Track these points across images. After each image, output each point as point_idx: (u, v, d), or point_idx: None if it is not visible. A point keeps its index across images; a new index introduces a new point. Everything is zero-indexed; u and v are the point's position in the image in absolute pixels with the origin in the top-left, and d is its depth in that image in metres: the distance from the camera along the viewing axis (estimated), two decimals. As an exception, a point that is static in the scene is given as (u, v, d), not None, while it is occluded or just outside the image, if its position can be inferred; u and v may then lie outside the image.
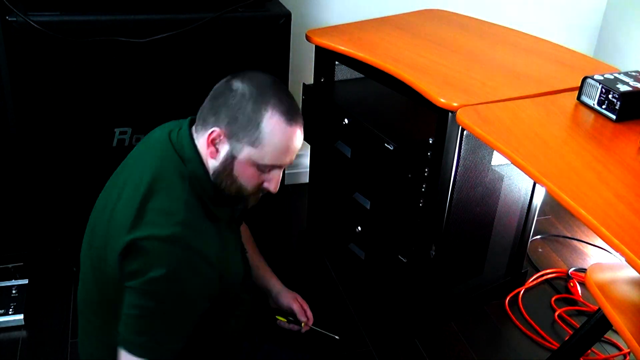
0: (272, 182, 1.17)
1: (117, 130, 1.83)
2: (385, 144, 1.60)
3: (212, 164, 1.14)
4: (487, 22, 2.10)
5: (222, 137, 1.11)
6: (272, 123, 1.10)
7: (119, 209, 1.14)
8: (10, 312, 1.82)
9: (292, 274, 1.80)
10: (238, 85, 1.11)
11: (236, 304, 1.31)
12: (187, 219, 1.09)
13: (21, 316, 1.81)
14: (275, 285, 1.51)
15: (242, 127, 1.10)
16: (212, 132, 1.11)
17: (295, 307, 1.47)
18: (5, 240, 2.06)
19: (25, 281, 1.93)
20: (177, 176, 1.13)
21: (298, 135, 1.14)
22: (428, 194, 1.62)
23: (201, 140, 1.15)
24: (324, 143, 1.92)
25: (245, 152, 1.11)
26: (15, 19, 1.61)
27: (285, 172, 2.23)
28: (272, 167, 1.15)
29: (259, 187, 1.18)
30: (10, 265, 1.99)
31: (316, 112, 1.90)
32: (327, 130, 1.87)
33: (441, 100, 1.47)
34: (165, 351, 1.13)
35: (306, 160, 2.45)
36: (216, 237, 1.15)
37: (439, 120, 1.52)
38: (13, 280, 1.93)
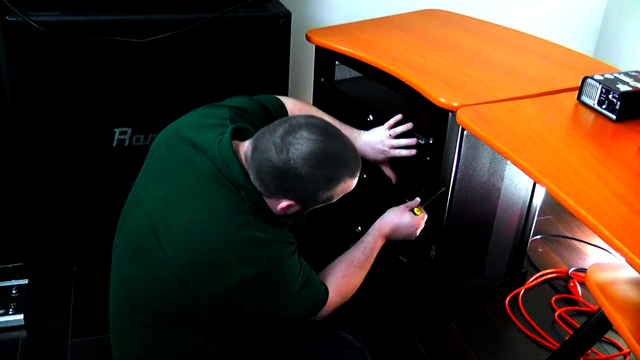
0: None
1: (117, 130, 1.83)
2: (417, 139, 1.60)
3: (279, 213, 1.22)
4: (487, 22, 2.10)
5: (294, 205, 1.20)
6: (344, 185, 1.22)
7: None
8: (10, 312, 1.82)
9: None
10: (304, 169, 1.14)
11: None
12: (261, 233, 1.17)
13: (21, 316, 1.81)
14: (353, 133, 1.58)
15: (317, 200, 1.20)
16: (286, 205, 1.19)
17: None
18: (5, 240, 2.06)
19: (25, 281, 1.93)
20: (233, 198, 1.19)
21: (357, 177, 1.25)
22: (428, 194, 1.62)
23: (267, 200, 1.19)
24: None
25: (320, 198, 1.21)
26: (15, 19, 1.61)
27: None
28: None
29: None
30: (10, 265, 1.99)
31: (332, 109, 1.90)
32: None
33: (441, 100, 1.47)
34: (321, 298, 1.30)
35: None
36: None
37: (439, 120, 1.52)
38: (13, 280, 1.93)
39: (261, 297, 1.20)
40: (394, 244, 1.80)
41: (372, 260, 1.43)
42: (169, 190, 1.22)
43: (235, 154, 1.18)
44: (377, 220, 1.49)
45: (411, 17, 2.10)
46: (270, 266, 1.17)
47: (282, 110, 1.51)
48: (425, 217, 1.51)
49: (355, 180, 1.24)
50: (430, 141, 1.57)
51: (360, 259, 1.41)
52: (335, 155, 1.17)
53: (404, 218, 1.47)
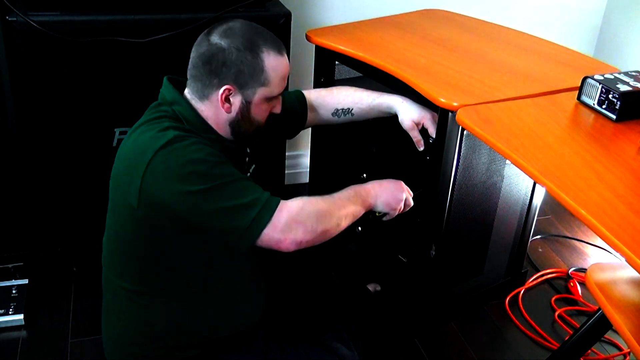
0: (278, 106, 1.35)
1: (117, 130, 1.83)
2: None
3: (227, 117, 1.27)
4: (487, 22, 2.10)
5: (233, 91, 1.24)
6: (271, 62, 1.25)
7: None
8: (10, 312, 1.82)
9: (292, 275, 1.80)
10: (226, 42, 1.21)
11: (258, 269, 1.36)
12: (170, 124, 1.21)
13: (21, 316, 1.81)
14: (394, 101, 1.59)
15: (250, 75, 1.23)
16: (223, 90, 1.23)
17: (414, 135, 1.57)
18: (5, 240, 2.06)
19: (25, 281, 1.93)
20: (161, 120, 1.24)
21: (287, 60, 1.31)
22: (428, 194, 1.62)
23: (207, 102, 1.26)
24: (343, 140, 1.91)
25: (258, 93, 1.26)
26: (15, 19, 1.61)
27: (285, 172, 2.23)
28: (278, 95, 1.32)
29: (268, 115, 1.33)
30: (10, 265, 1.99)
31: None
32: (347, 127, 1.86)
33: (441, 100, 1.47)
34: (269, 202, 1.18)
35: (306, 160, 2.46)
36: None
37: (439, 120, 1.52)
38: (13, 280, 1.93)
39: (174, 180, 1.14)
40: (394, 244, 1.81)
41: (351, 198, 1.33)
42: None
43: (172, 85, 1.29)
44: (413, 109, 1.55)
45: (411, 17, 2.10)
46: (175, 139, 1.16)
47: (301, 101, 1.60)
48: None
49: (284, 62, 1.27)
50: (430, 141, 1.57)
51: (332, 195, 1.31)
52: (252, 27, 1.25)
53: (392, 181, 1.45)
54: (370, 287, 1.87)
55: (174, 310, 1.28)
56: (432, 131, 1.55)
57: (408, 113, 1.56)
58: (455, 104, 1.45)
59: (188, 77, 1.28)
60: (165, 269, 1.25)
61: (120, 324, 1.33)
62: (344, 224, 1.29)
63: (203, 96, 1.26)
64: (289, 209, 1.18)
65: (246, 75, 1.23)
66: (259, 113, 1.29)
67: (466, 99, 1.47)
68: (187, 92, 1.29)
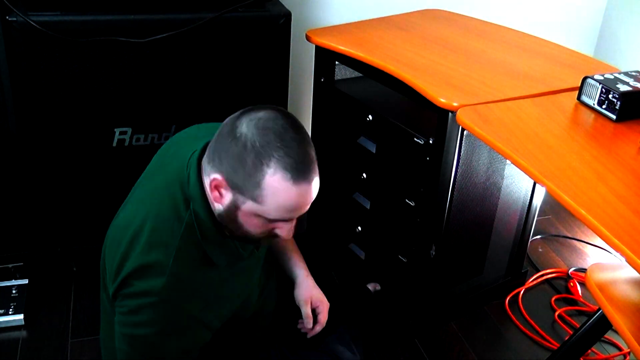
0: (284, 231, 1.09)
1: (117, 130, 1.83)
2: (415, 139, 1.61)
3: (217, 207, 1.08)
4: (487, 22, 2.10)
5: (224, 186, 1.04)
6: (273, 183, 0.99)
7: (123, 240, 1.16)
8: (10, 312, 1.82)
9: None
10: (242, 129, 1.00)
11: (254, 318, 1.33)
12: (173, 268, 1.07)
13: (21, 316, 1.81)
14: (299, 273, 1.40)
15: (243, 181, 1.01)
16: (213, 179, 1.04)
17: (304, 310, 1.36)
18: (5, 240, 2.06)
19: (25, 281, 1.93)
20: (173, 218, 1.10)
21: (308, 192, 1.04)
22: (428, 194, 1.62)
23: (206, 179, 1.08)
24: (343, 140, 1.91)
25: (248, 205, 1.03)
26: (15, 19, 1.61)
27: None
28: (279, 220, 1.07)
29: (270, 234, 1.11)
30: (10, 265, 1.98)
31: (331, 108, 1.90)
32: (346, 127, 1.87)
33: (441, 100, 1.47)
34: None
35: (306, 160, 2.45)
36: (205, 283, 1.13)
37: (439, 120, 1.52)
38: (13, 280, 1.93)
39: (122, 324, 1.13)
40: (394, 244, 1.81)
41: None
42: (138, 191, 1.24)
43: (200, 167, 1.09)
44: (307, 286, 1.38)
45: (411, 17, 2.10)
46: (150, 294, 1.08)
47: None
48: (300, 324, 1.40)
49: (293, 192, 1.01)
50: (430, 141, 1.57)
51: None
52: (283, 130, 1.00)
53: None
54: (370, 287, 1.87)
55: None
56: (322, 318, 1.37)
57: (306, 290, 1.38)
58: (455, 104, 1.45)
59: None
60: None
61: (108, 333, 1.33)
62: None
63: (206, 169, 1.08)
64: None
65: (239, 177, 1.01)
66: (251, 225, 1.07)
67: (466, 99, 1.47)
68: (206, 157, 1.10)
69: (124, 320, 1.13)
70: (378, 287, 1.88)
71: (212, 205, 1.09)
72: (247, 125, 1.00)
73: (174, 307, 1.09)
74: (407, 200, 1.69)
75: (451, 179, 1.60)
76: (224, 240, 1.13)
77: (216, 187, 1.04)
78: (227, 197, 1.04)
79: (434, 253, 1.70)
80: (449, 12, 2.18)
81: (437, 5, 2.25)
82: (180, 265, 1.07)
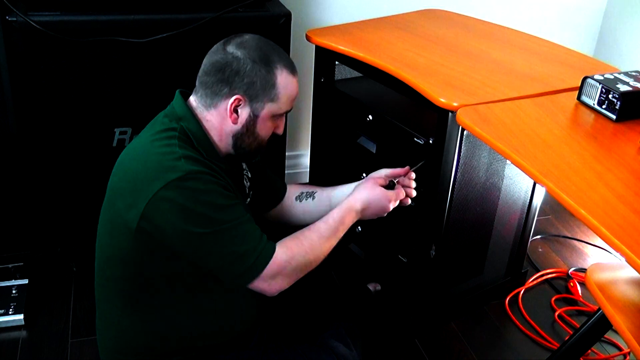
0: (281, 127, 1.33)
1: (117, 130, 1.83)
2: (415, 139, 1.61)
3: (232, 128, 1.26)
4: (487, 22, 2.10)
5: (242, 102, 1.23)
6: (283, 80, 1.25)
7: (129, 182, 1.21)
8: (10, 312, 1.82)
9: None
10: (242, 53, 1.22)
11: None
12: (183, 152, 1.19)
13: (21, 316, 1.81)
14: (349, 188, 1.49)
15: (262, 89, 1.23)
16: (233, 100, 1.22)
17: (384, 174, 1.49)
18: (5, 240, 2.06)
19: (25, 281, 1.93)
20: (168, 132, 1.23)
21: (297, 83, 1.30)
22: (428, 194, 1.62)
23: (213, 111, 1.25)
24: (343, 140, 1.91)
25: (267, 108, 1.25)
26: (15, 19, 1.61)
27: (285, 172, 2.23)
28: (283, 115, 1.31)
29: (270, 136, 1.32)
30: (10, 265, 1.99)
31: (331, 108, 1.91)
32: (346, 127, 1.87)
33: (441, 100, 1.47)
34: (263, 254, 1.20)
35: (306, 160, 2.46)
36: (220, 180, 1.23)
37: (439, 120, 1.52)
38: (13, 280, 1.93)
39: (179, 217, 1.14)
40: (394, 244, 1.81)
41: (337, 233, 1.34)
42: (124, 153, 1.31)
43: (187, 105, 1.27)
44: (348, 196, 1.42)
45: (411, 17, 2.10)
46: (187, 177, 1.14)
47: (283, 185, 1.59)
48: (401, 192, 1.44)
49: (295, 82, 1.28)
50: (430, 141, 1.57)
51: (321, 227, 1.32)
52: (269, 43, 1.26)
53: (375, 192, 1.40)
54: (371, 287, 1.87)
55: (162, 321, 1.28)
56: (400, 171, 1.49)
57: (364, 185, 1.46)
58: (455, 103, 1.45)
59: (197, 83, 1.27)
60: (155, 283, 1.25)
61: (113, 333, 1.33)
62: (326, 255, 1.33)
63: (211, 104, 1.25)
64: (280, 262, 1.21)
65: (257, 88, 1.22)
66: (264, 129, 1.28)
67: (466, 99, 1.47)
68: (192, 99, 1.28)
69: (177, 201, 1.14)
70: (378, 287, 1.88)
71: (221, 132, 1.26)
72: (243, 48, 1.22)
73: (210, 178, 1.19)
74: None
75: (451, 179, 1.60)
76: (218, 155, 1.28)
77: (235, 108, 1.24)
78: (245, 112, 1.25)
79: (434, 253, 1.70)
80: (449, 12, 2.18)
81: (438, 5, 2.25)
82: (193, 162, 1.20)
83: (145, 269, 1.22)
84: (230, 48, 1.22)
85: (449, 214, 1.67)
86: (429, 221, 1.66)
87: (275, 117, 1.28)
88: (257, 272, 1.19)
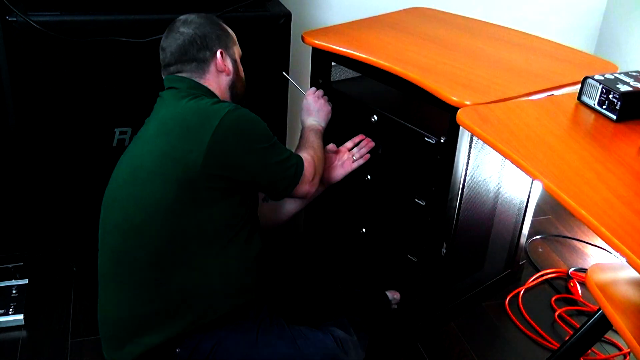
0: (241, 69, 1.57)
1: (117, 130, 1.83)
2: (426, 138, 1.61)
3: (227, 80, 1.49)
4: (475, 19, 2.08)
5: (223, 53, 1.48)
6: (227, 27, 1.53)
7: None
8: (10, 312, 1.82)
9: (292, 275, 1.80)
10: (192, 28, 1.46)
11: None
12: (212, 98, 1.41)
13: (21, 316, 1.81)
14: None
15: (226, 38, 1.50)
16: (219, 54, 1.46)
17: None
18: (5, 240, 2.06)
19: (25, 281, 1.93)
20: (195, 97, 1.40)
21: None
22: (439, 193, 1.62)
23: (208, 76, 1.46)
24: (344, 141, 1.89)
25: (235, 51, 1.53)
26: (15, 19, 1.61)
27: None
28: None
29: None
30: (10, 265, 1.99)
31: (332, 109, 1.90)
32: (348, 128, 1.87)
33: (453, 98, 1.47)
34: (298, 158, 1.49)
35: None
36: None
37: (450, 119, 1.49)
38: (13, 280, 1.93)
39: (241, 140, 1.34)
40: (402, 244, 1.80)
41: (317, 146, 1.62)
42: (143, 132, 1.44)
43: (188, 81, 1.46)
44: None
45: (399, 15, 2.09)
46: (235, 110, 1.35)
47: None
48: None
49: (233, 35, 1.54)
50: (442, 140, 1.56)
51: (310, 146, 1.60)
52: (200, 14, 1.50)
53: (311, 105, 1.75)
54: (389, 294, 1.86)
55: (187, 278, 1.34)
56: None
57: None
58: (467, 102, 1.44)
59: (175, 69, 1.46)
60: (191, 233, 1.33)
61: (136, 302, 1.36)
62: None
63: (203, 71, 1.45)
64: (309, 162, 1.51)
65: (223, 38, 1.48)
66: (241, 70, 1.55)
67: (477, 97, 1.47)
68: (185, 76, 1.46)
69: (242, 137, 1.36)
70: (398, 296, 1.87)
71: (221, 89, 1.49)
72: (189, 24, 1.46)
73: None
74: (417, 200, 1.69)
75: (462, 177, 1.60)
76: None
77: (222, 59, 1.47)
78: (228, 61, 1.49)
79: (444, 251, 1.70)
80: (435, 10, 2.17)
81: (438, 6, 2.25)
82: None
83: (182, 221, 1.31)
84: (182, 29, 1.45)
85: (458, 212, 1.67)
86: (441, 219, 1.65)
87: (239, 59, 1.54)
88: (301, 171, 1.47)
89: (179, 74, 1.46)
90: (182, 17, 1.49)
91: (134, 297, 1.35)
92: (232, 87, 1.51)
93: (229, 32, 1.51)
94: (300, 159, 1.48)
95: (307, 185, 1.49)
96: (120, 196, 1.38)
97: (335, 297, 1.69)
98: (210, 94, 1.45)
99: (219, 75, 1.47)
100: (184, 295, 1.34)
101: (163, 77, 1.49)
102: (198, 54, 1.44)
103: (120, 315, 1.37)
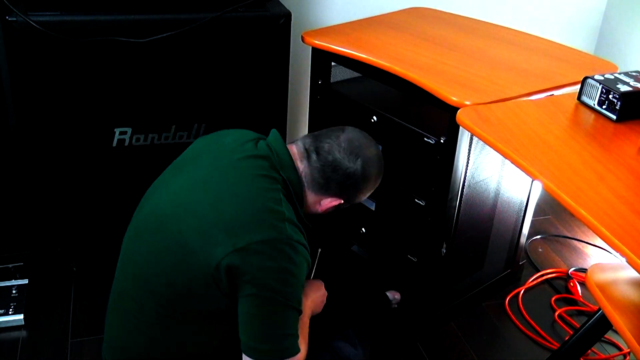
0: None
1: (117, 130, 1.83)
2: (426, 139, 1.60)
3: (315, 211, 1.37)
4: (475, 19, 2.08)
5: (338, 203, 1.36)
6: (372, 185, 1.39)
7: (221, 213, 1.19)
8: (10, 312, 1.82)
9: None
10: (366, 171, 1.33)
11: None
12: (288, 214, 1.21)
13: (21, 316, 1.81)
14: None
15: (359, 197, 1.39)
16: (336, 201, 1.35)
17: None
18: (5, 240, 2.06)
19: (25, 281, 1.93)
20: (272, 180, 1.25)
21: None
22: (439, 193, 1.62)
23: (312, 194, 1.33)
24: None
25: (349, 201, 1.39)
26: (15, 19, 1.61)
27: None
28: None
29: None
30: (10, 265, 1.99)
31: (330, 110, 1.90)
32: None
33: (453, 98, 1.47)
34: (295, 345, 1.20)
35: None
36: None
37: (450, 119, 1.49)
38: (13, 280, 1.93)
39: (267, 266, 1.16)
40: (402, 244, 1.81)
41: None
42: (203, 170, 1.26)
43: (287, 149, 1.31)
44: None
45: (399, 15, 2.09)
46: (287, 240, 1.17)
47: None
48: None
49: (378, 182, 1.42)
50: (442, 140, 1.56)
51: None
52: (381, 158, 1.39)
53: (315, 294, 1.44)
54: (390, 295, 1.86)
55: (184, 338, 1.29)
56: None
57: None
58: (467, 102, 1.44)
59: (319, 164, 1.30)
60: (192, 312, 1.25)
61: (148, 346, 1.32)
62: None
63: (316, 189, 1.32)
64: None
65: (357, 197, 1.38)
66: (328, 210, 1.39)
67: (477, 97, 1.47)
68: (299, 159, 1.31)
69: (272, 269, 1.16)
70: (398, 296, 1.87)
71: (307, 205, 1.35)
72: (367, 166, 1.33)
73: (303, 249, 1.22)
74: (416, 200, 1.69)
75: (462, 177, 1.60)
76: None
77: (331, 204, 1.35)
78: (333, 204, 1.36)
79: (444, 251, 1.70)
80: (435, 10, 2.17)
81: (437, 6, 2.25)
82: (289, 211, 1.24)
83: (192, 299, 1.22)
84: (363, 161, 1.32)
85: (458, 212, 1.67)
86: (441, 219, 1.66)
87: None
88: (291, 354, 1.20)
89: (294, 142, 1.34)
90: (369, 148, 1.35)
91: (135, 329, 1.31)
92: (310, 213, 1.38)
93: (366, 192, 1.39)
94: (293, 351, 1.20)
95: None
96: (148, 237, 1.28)
97: (339, 306, 1.66)
98: (297, 188, 1.29)
99: (318, 203, 1.35)
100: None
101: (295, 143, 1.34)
102: (335, 184, 1.31)
103: (122, 337, 1.35)
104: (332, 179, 1.31)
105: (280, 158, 1.28)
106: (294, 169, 1.29)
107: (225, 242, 1.14)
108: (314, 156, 1.30)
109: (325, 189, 1.32)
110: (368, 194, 1.40)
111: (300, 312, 1.22)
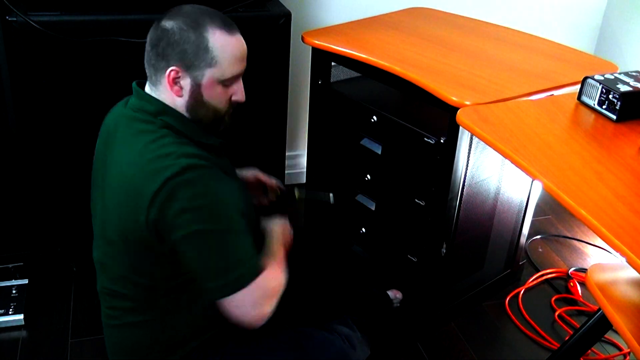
0: (239, 93, 1.26)
1: (117, 130, 1.83)
2: (426, 139, 1.60)
3: (181, 102, 1.21)
4: (474, 19, 2.08)
5: (180, 73, 1.18)
6: (217, 40, 1.18)
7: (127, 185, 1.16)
8: (10, 312, 1.82)
9: (293, 274, 1.80)
10: (170, 24, 1.17)
11: None
12: (186, 151, 1.15)
13: (21, 316, 1.81)
14: None
15: (195, 55, 1.17)
16: (169, 72, 1.18)
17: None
18: (5, 240, 2.06)
19: (25, 281, 1.93)
20: (157, 134, 1.18)
21: (243, 41, 1.24)
22: (439, 193, 1.62)
23: (161, 88, 1.21)
24: (344, 142, 1.90)
25: (207, 74, 1.19)
26: (15, 19, 1.61)
27: (285, 172, 2.23)
28: (233, 79, 1.23)
29: (230, 103, 1.26)
30: (10, 265, 1.99)
31: (330, 110, 1.90)
32: (347, 129, 1.87)
33: (453, 98, 1.47)
34: (251, 267, 1.16)
35: (305, 160, 2.45)
36: (217, 162, 1.22)
37: (450, 119, 1.50)
38: (13, 280, 1.93)
39: (179, 207, 1.10)
40: (402, 244, 1.81)
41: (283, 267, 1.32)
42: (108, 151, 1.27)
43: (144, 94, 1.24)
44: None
45: (399, 15, 2.09)
46: (183, 170, 1.11)
47: None
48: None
49: (234, 41, 1.20)
50: (442, 140, 1.56)
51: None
52: (201, 8, 1.21)
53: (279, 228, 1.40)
54: (391, 294, 1.86)
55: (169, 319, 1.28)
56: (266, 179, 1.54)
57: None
58: (467, 102, 1.45)
59: (145, 67, 1.24)
60: (161, 288, 1.24)
61: (135, 332, 1.31)
62: None
63: (157, 82, 1.21)
64: (265, 286, 1.17)
65: (190, 55, 1.16)
66: (214, 97, 1.21)
67: (477, 97, 1.47)
68: (147, 85, 1.25)
69: (187, 209, 1.11)
70: (399, 296, 1.87)
71: (175, 107, 1.22)
72: (172, 19, 1.17)
73: (216, 171, 1.16)
74: (417, 200, 1.69)
75: (462, 177, 1.60)
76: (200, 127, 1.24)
77: (174, 79, 1.18)
78: (187, 82, 1.19)
79: (444, 251, 1.70)
80: (435, 10, 2.17)
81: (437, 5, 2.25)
82: (188, 149, 1.17)
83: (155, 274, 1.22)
84: (163, 22, 1.18)
85: (458, 212, 1.67)
86: (441, 219, 1.66)
87: (223, 82, 1.21)
88: (239, 290, 1.14)
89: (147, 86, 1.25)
90: (182, 5, 1.22)
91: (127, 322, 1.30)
92: (191, 111, 1.22)
93: (209, 49, 1.17)
94: (252, 274, 1.15)
95: (248, 307, 1.16)
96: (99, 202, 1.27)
97: (338, 297, 1.68)
98: (187, 126, 1.21)
99: (171, 91, 1.20)
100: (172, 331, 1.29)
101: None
102: (155, 59, 1.19)
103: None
104: (149, 57, 1.21)
105: (143, 103, 1.23)
106: (157, 101, 1.21)
107: (140, 207, 1.12)
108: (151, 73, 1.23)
109: (156, 73, 1.21)
110: (215, 48, 1.18)
111: (241, 230, 1.16)
